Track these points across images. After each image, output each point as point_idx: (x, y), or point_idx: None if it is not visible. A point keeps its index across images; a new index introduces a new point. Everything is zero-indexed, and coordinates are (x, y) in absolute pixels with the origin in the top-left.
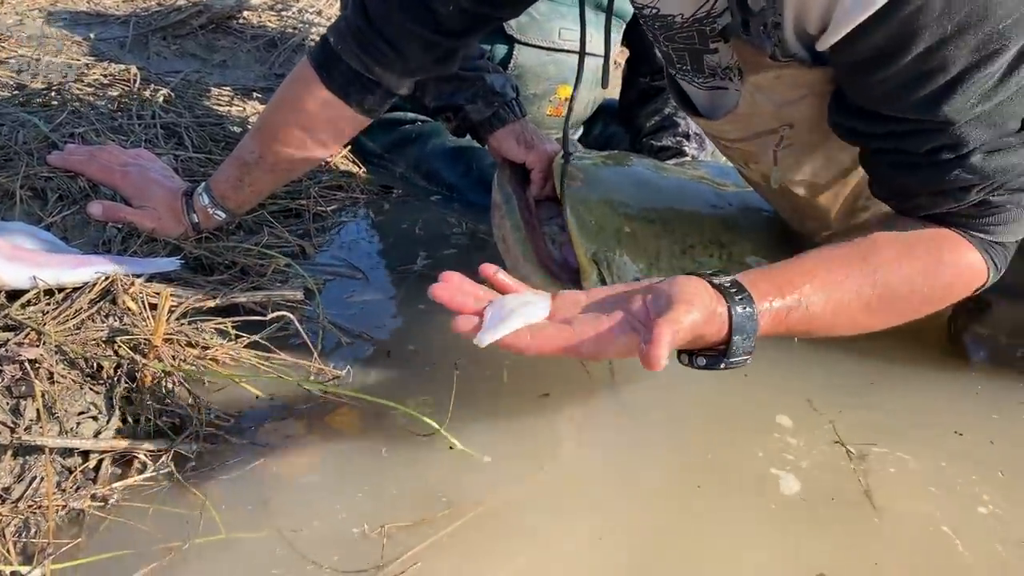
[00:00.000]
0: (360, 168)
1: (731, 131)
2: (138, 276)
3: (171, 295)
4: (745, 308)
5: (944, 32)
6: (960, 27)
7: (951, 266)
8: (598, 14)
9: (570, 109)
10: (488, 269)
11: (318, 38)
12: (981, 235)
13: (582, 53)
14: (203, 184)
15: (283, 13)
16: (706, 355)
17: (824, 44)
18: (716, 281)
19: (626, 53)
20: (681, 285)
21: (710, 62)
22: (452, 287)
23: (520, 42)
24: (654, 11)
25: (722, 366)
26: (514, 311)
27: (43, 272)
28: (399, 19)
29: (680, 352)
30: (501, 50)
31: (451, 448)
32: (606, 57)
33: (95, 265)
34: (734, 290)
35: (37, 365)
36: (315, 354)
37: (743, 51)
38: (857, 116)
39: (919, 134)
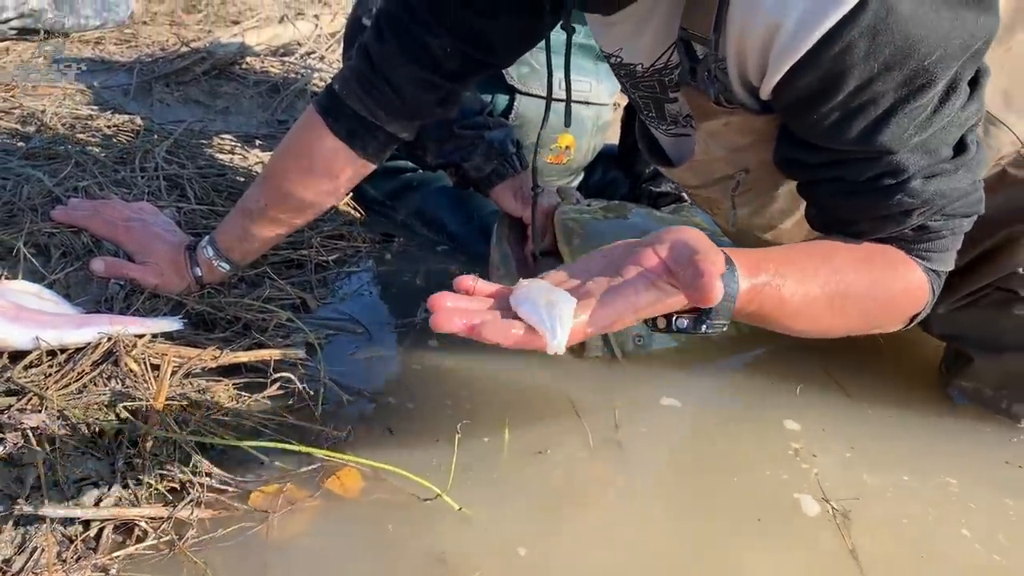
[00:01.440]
0: (361, 215)
1: (691, 178)
2: (140, 336)
3: (173, 357)
4: (731, 270)
5: (872, 70)
6: (886, 65)
7: (903, 280)
8: (597, 63)
9: (537, 146)
10: (466, 282)
11: (320, 83)
12: (920, 261)
13: (548, 98)
14: (207, 237)
15: (285, 59)
16: (686, 316)
17: (765, 90)
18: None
19: (624, 99)
20: (688, 232)
21: (671, 110)
22: (452, 312)
23: (521, 92)
24: (618, 60)
25: (703, 328)
26: (553, 303)
27: (46, 333)
28: (400, 62)
29: (657, 316)
30: (502, 100)
31: (456, 510)
32: (567, 95)
33: (97, 325)
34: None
35: (39, 432)
36: (317, 414)
37: (693, 98)
38: (801, 148)
39: (860, 163)
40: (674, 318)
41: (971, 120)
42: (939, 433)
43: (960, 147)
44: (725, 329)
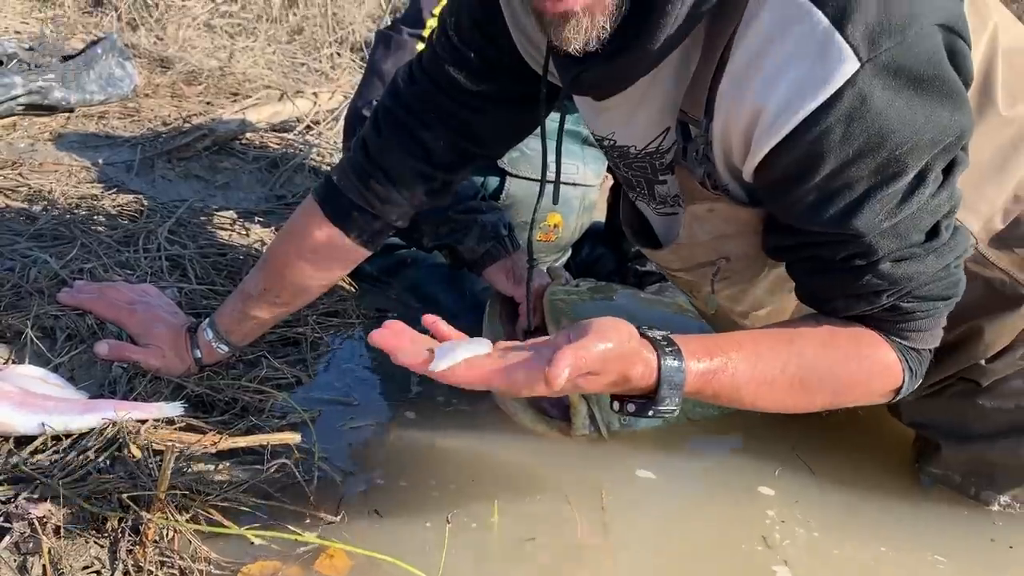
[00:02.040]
0: (355, 290)
1: (674, 261)
2: (143, 422)
3: (174, 442)
4: (674, 360)
5: (846, 156)
6: (860, 151)
7: (869, 359)
8: (583, 147)
9: (532, 226)
10: (429, 318)
11: (318, 158)
12: (897, 339)
13: (543, 175)
14: (208, 319)
15: (284, 135)
16: (636, 402)
17: (747, 170)
18: (649, 334)
19: (611, 179)
20: (600, 321)
21: (660, 191)
22: (393, 332)
23: (511, 174)
24: (612, 143)
25: (650, 413)
26: (461, 346)
27: (52, 419)
28: (396, 155)
29: (612, 398)
30: (493, 182)
31: None
32: (557, 176)
33: (102, 411)
34: (665, 343)
35: (45, 521)
36: (310, 498)
37: (683, 178)
38: (784, 234)
39: (834, 244)
40: (625, 402)
41: (943, 208)
42: (920, 513)
43: (933, 232)
44: (676, 414)
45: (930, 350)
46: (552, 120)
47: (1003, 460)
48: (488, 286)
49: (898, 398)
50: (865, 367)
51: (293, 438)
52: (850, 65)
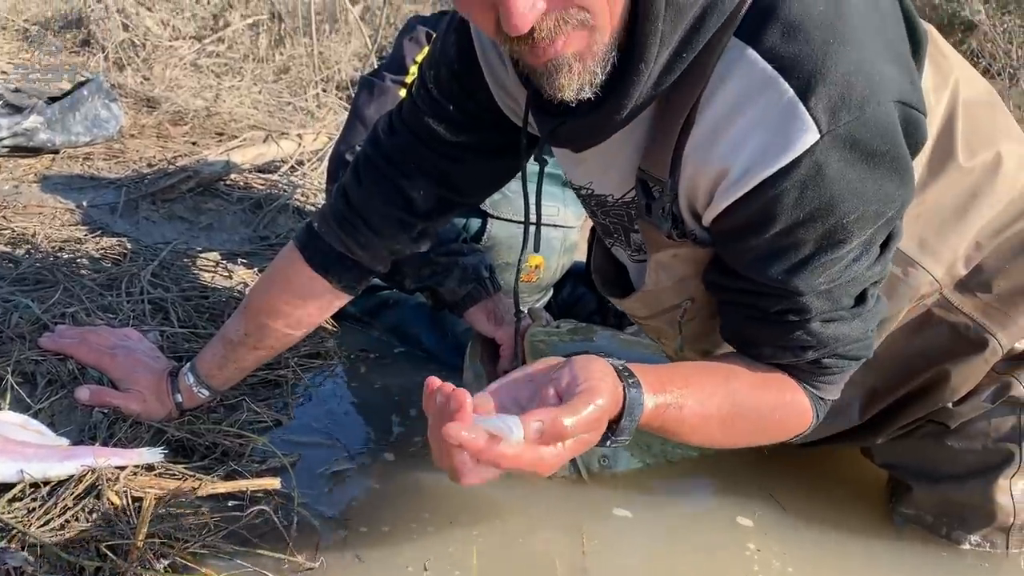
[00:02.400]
0: (337, 329)
1: (640, 309)
2: (122, 468)
3: (154, 488)
4: (637, 392)
5: (797, 218)
6: (810, 216)
7: (791, 405)
8: (564, 189)
9: (517, 273)
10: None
11: (302, 198)
12: (810, 388)
13: (526, 220)
14: (189, 364)
15: (268, 175)
16: None
17: (707, 218)
18: (612, 363)
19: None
20: (584, 369)
21: (635, 239)
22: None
23: (493, 216)
24: (589, 191)
25: (608, 443)
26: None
27: (31, 466)
28: (376, 203)
29: None
30: (475, 223)
31: None
32: (538, 222)
33: (81, 458)
34: (627, 374)
35: (22, 571)
36: (290, 544)
37: (647, 231)
38: (726, 274)
39: (771, 296)
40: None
41: (875, 278)
42: (893, 552)
43: (860, 298)
44: (627, 442)
45: (829, 402)
46: (532, 165)
47: (972, 500)
48: (469, 327)
49: (793, 440)
50: (787, 412)
51: (272, 483)
52: (811, 135)
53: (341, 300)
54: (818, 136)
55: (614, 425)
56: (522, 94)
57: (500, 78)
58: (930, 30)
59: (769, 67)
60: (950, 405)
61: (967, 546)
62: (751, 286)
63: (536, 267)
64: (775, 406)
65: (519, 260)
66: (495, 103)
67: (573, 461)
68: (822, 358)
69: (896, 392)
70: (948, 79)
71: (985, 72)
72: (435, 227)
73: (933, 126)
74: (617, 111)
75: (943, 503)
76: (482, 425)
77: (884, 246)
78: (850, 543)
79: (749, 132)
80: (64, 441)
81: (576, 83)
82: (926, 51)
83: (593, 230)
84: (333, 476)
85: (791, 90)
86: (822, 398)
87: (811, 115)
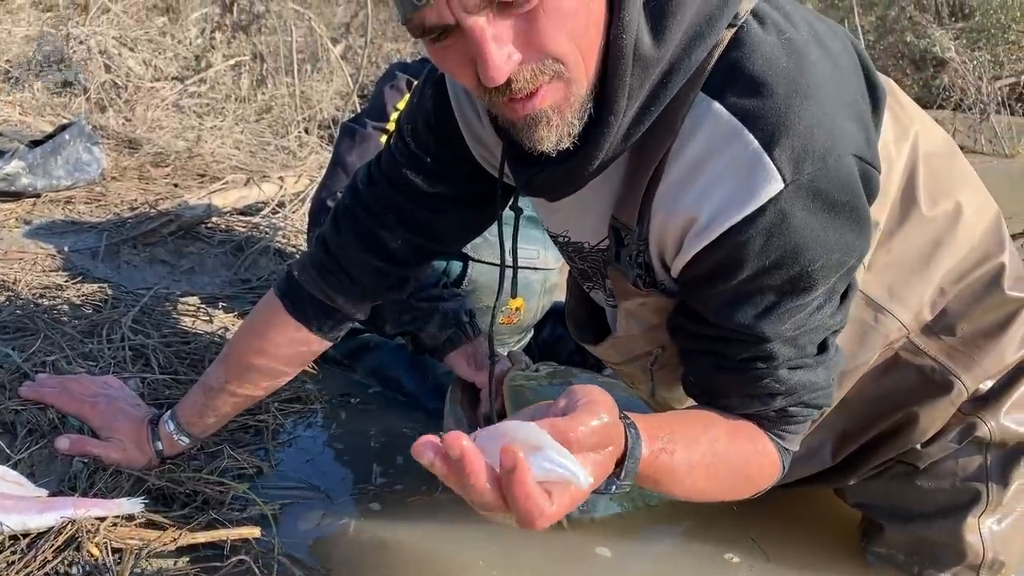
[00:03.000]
0: (317, 372)
1: (613, 355)
2: (102, 520)
3: (133, 539)
4: (635, 432)
5: (763, 265)
6: (774, 264)
7: (764, 454)
8: (544, 232)
9: (492, 319)
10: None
11: (283, 240)
12: (777, 439)
13: (502, 266)
14: (169, 411)
15: (250, 218)
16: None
17: (676, 267)
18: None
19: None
20: (590, 400)
21: (609, 285)
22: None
23: (474, 260)
24: (566, 239)
25: (613, 488)
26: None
27: (10, 518)
28: (355, 252)
29: None
30: (457, 267)
31: None
32: (514, 268)
33: (61, 509)
34: (622, 415)
35: None
36: None
37: (616, 278)
38: (692, 319)
39: (738, 343)
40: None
41: (835, 327)
42: None
43: (822, 347)
44: (628, 490)
45: (792, 452)
46: (509, 213)
47: (943, 539)
48: (450, 370)
49: (756, 495)
50: (761, 460)
51: (252, 532)
52: (775, 185)
53: (321, 347)
54: (782, 186)
55: (618, 468)
56: (498, 146)
57: (475, 131)
58: (890, 84)
59: (734, 119)
60: (919, 446)
61: None
62: (718, 332)
63: (516, 309)
64: (751, 454)
65: (494, 305)
66: (471, 155)
67: None
68: (789, 406)
69: (867, 434)
70: (908, 131)
71: (957, 107)
72: (414, 275)
73: (895, 177)
74: (588, 162)
75: (914, 542)
76: (543, 475)
77: (844, 296)
78: None
79: (716, 181)
80: (44, 492)
81: (555, 136)
82: (885, 105)
83: (570, 275)
84: (315, 525)
85: (755, 141)
86: (786, 448)
87: (775, 165)
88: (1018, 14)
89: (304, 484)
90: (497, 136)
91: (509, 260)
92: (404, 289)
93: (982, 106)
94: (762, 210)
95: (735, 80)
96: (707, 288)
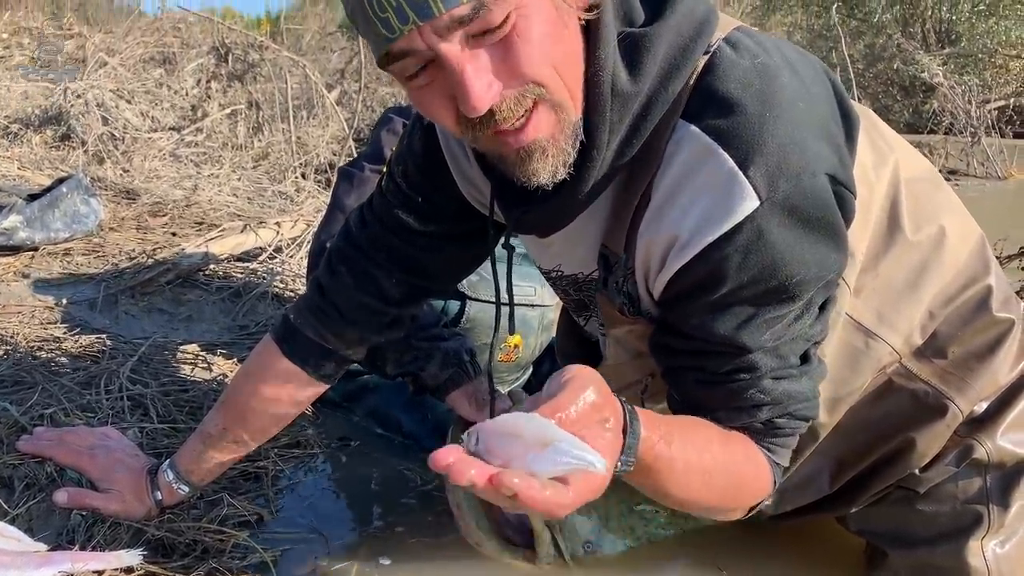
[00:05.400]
0: (317, 416)
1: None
2: (100, 573)
3: None
4: (631, 409)
5: (742, 280)
6: (753, 279)
7: (755, 460)
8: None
9: (491, 356)
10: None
11: (281, 285)
12: (766, 451)
13: (498, 303)
14: (168, 460)
15: (247, 264)
16: None
17: (659, 285)
18: None
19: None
20: (573, 368)
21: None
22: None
23: (471, 298)
24: (559, 273)
25: (619, 467)
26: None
27: (8, 575)
28: (350, 293)
29: None
30: (454, 305)
31: None
32: (510, 303)
33: (58, 564)
34: (620, 398)
35: None
36: None
37: (603, 305)
38: (674, 335)
39: (721, 356)
40: None
41: (817, 337)
42: None
43: (805, 358)
44: (632, 467)
45: (785, 468)
46: (503, 251)
47: (946, 562)
48: (450, 408)
49: (748, 516)
50: (754, 467)
51: None
52: (751, 203)
53: (319, 389)
54: (758, 203)
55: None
56: (487, 185)
57: (464, 170)
58: (867, 113)
59: (709, 140)
60: (917, 471)
61: None
62: (700, 346)
63: (515, 347)
64: (743, 461)
65: (492, 342)
66: (461, 194)
67: (557, 547)
68: (775, 417)
69: (864, 460)
70: (887, 158)
71: (948, 131)
72: (408, 314)
73: (877, 201)
74: (575, 197)
75: (918, 567)
76: (558, 470)
77: (822, 308)
78: None
79: (694, 200)
80: (42, 547)
81: (550, 166)
82: (858, 133)
83: (562, 311)
84: (316, 569)
85: (730, 160)
86: (777, 463)
87: (751, 183)
88: (1003, 38)
89: (305, 531)
90: (485, 176)
91: (504, 297)
92: (399, 329)
93: (972, 129)
94: (739, 227)
95: (710, 103)
96: (688, 303)
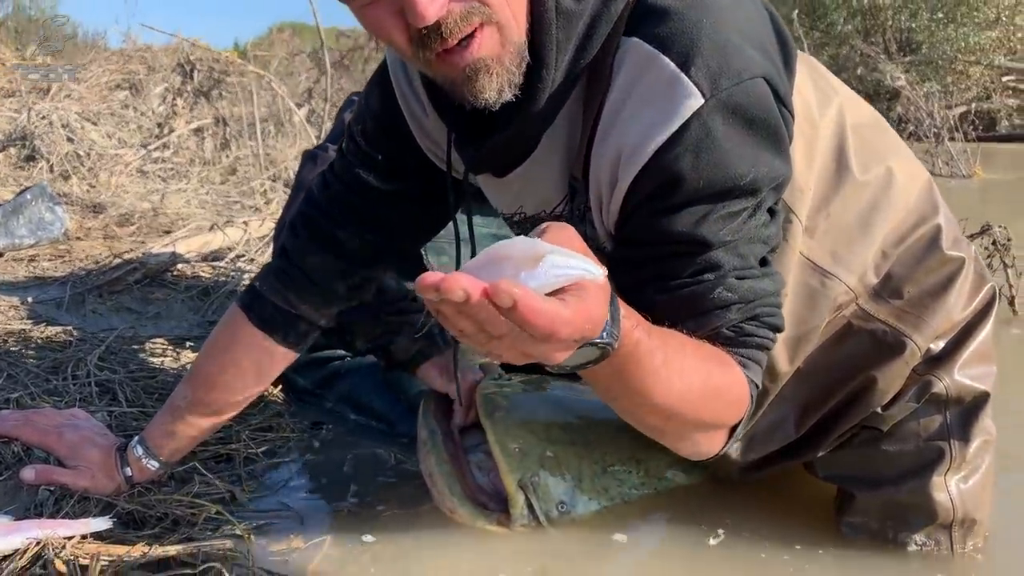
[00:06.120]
0: (290, 406)
1: None
2: (70, 538)
3: (102, 555)
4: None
5: (697, 182)
6: (708, 179)
7: (731, 374)
8: None
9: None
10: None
11: (249, 282)
12: (742, 366)
13: (457, 240)
14: (137, 436)
15: (215, 263)
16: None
17: (615, 205)
18: None
19: None
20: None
21: None
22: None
23: None
24: (522, 215)
25: (603, 337)
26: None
27: None
28: (314, 255)
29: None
30: None
31: None
32: (472, 239)
33: (26, 531)
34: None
35: None
36: None
37: None
38: (631, 245)
39: (683, 257)
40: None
41: (772, 241)
42: (846, 564)
43: (763, 262)
44: (615, 344)
45: (757, 387)
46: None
47: (913, 500)
48: (422, 389)
49: (729, 442)
50: (729, 378)
51: (226, 544)
52: (695, 100)
53: (287, 359)
54: (702, 100)
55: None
56: (443, 135)
57: (422, 123)
58: (811, 61)
59: (650, 47)
60: (879, 410)
61: (913, 547)
62: (660, 251)
63: None
64: (718, 365)
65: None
66: (421, 150)
67: (532, 510)
68: (744, 320)
69: (827, 402)
70: (832, 100)
71: (912, 135)
72: (372, 276)
73: (823, 140)
74: (527, 120)
75: (885, 506)
76: (554, 282)
77: (772, 213)
78: (803, 558)
79: (639, 108)
80: (9, 518)
81: (495, 84)
82: (795, 63)
83: None
84: (291, 541)
85: (671, 64)
86: (751, 378)
87: (694, 82)
88: (962, 44)
89: (279, 506)
90: (442, 121)
91: (465, 237)
92: (364, 292)
93: (936, 130)
94: (686, 125)
95: (648, 15)
96: (646, 214)
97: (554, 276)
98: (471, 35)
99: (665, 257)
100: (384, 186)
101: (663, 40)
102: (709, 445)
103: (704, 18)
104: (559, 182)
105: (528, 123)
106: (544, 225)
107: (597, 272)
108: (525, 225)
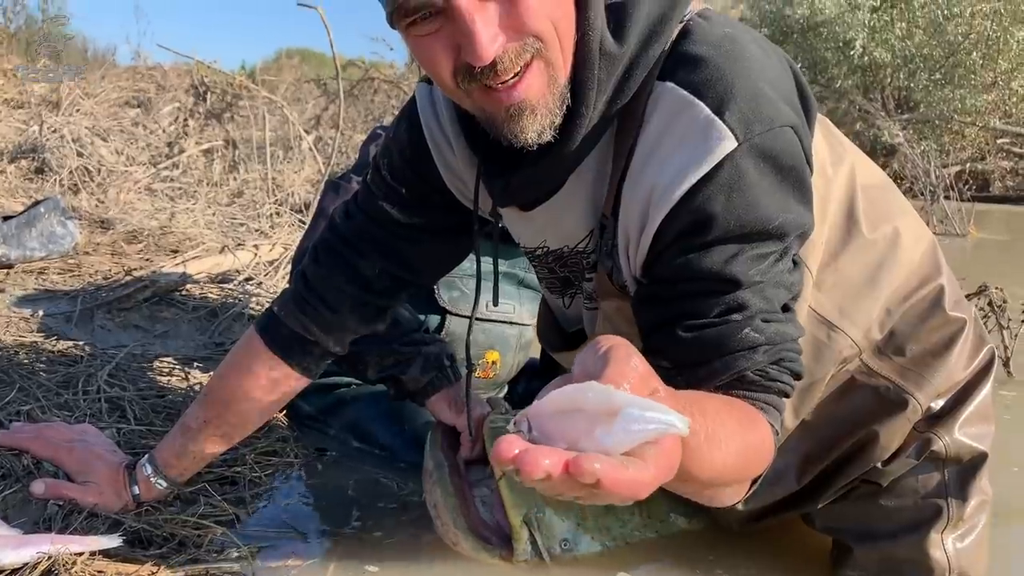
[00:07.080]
0: (294, 432)
1: None
2: (79, 554)
3: (111, 574)
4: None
5: (728, 222)
6: (738, 220)
7: (760, 429)
8: (519, 288)
9: (467, 352)
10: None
11: (258, 307)
12: (765, 414)
13: (478, 276)
14: (147, 455)
15: (224, 285)
16: None
17: (644, 244)
18: None
19: None
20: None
21: (587, 288)
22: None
23: (451, 313)
24: (544, 249)
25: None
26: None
27: None
28: (334, 283)
29: None
30: (435, 320)
31: None
32: (495, 275)
33: (36, 545)
34: None
35: None
36: None
37: (599, 276)
38: (660, 283)
39: (710, 296)
40: None
41: (795, 288)
42: None
43: (786, 308)
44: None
45: (777, 434)
46: (487, 265)
47: (909, 555)
48: (426, 420)
49: (749, 492)
50: (759, 435)
51: (233, 568)
52: (729, 143)
53: (299, 384)
54: (736, 143)
55: None
56: (470, 173)
57: (448, 160)
58: (824, 120)
59: (685, 92)
60: (879, 465)
61: None
62: (688, 288)
63: (493, 363)
64: (750, 423)
65: (471, 314)
66: (445, 186)
67: (535, 546)
68: (769, 363)
69: (830, 455)
70: (843, 159)
71: (908, 192)
72: (390, 306)
73: (835, 197)
74: (563, 156)
75: (883, 561)
76: (634, 440)
77: (794, 262)
78: None
79: (672, 151)
80: (18, 532)
81: (537, 126)
82: (815, 121)
83: (543, 303)
84: (293, 565)
85: (707, 108)
86: (773, 426)
87: (728, 126)
88: (959, 106)
89: (282, 530)
90: (471, 157)
91: (485, 309)
92: (380, 322)
93: (932, 188)
94: (719, 166)
95: (683, 61)
96: (676, 252)
97: (633, 436)
98: (521, 72)
99: (694, 295)
100: (407, 219)
101: (698, 86)
102: (733, 497)
103: (736, 66)
104: (584, 219)
105: (559, 161)
106: (610, 338)
107: (681, 425)
108: (547, 259)
